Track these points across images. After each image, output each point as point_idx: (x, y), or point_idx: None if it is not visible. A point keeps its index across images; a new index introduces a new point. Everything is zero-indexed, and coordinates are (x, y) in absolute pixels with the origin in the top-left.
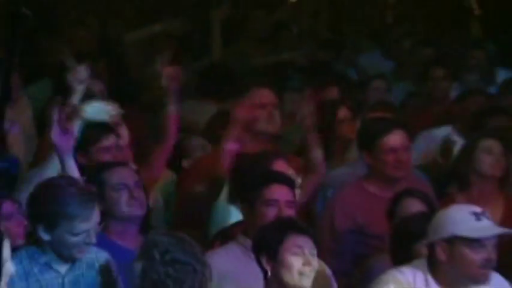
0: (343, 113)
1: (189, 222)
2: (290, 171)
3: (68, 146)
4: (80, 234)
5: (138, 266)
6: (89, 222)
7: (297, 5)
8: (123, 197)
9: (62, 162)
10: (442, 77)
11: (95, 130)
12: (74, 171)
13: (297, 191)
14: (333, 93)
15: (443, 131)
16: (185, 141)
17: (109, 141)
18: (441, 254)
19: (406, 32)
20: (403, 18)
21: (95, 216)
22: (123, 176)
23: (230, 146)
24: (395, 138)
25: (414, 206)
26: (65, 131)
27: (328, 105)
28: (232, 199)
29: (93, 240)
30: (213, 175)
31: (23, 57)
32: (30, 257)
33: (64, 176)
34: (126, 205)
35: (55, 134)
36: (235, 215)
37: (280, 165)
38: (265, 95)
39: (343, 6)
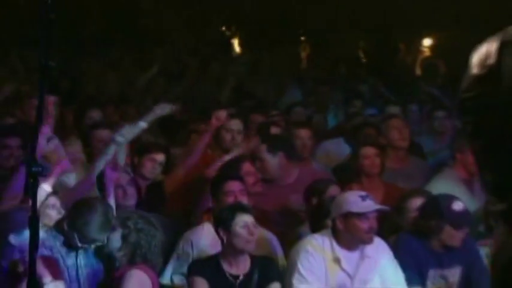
0: (273, 130)
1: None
2: (253, 170)
3: (115, 178)
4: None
5: (116, 234)
6: (103, 240)
7: (238, 61)
8: (119, 194)
9: (105, 187)
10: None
11: (148, 145)
12: (111, 194)
13: None
14: (261, 117)
15: (336, 142)
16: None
17: (159, 156)
18: (340, 225)
19: (315, 76)
20: (313, 66)
21: (107, 234)
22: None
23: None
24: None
25: (334, 190)
26: (114, 168)
27: (262, 126)
28: None
29: (105, 241)
30: None
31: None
32: (54, 236)
33: (99, 200)
34: (121, 199)
35: (108, 172)
36: None
37: (247, 166)
38: (231, 122)
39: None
